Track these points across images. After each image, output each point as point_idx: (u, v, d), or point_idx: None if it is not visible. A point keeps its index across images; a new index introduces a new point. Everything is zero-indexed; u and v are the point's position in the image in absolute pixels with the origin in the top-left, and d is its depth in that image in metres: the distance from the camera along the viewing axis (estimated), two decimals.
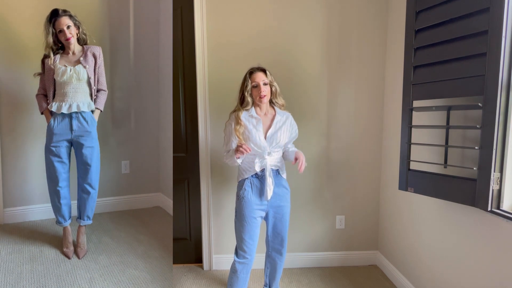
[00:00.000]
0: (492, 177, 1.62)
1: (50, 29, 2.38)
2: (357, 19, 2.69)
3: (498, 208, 1.67)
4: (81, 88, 2.46)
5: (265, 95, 2.02)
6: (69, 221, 2.67)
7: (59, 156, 2.50)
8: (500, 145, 1.62)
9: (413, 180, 2.06)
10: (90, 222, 2.69)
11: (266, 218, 2.17)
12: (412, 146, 2.09)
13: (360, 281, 2.68)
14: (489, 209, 1.65)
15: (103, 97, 2.57)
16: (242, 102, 2.07)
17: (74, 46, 2.47)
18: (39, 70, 2.53)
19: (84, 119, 2.49)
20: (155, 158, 3.49)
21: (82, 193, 2.63)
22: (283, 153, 2.20)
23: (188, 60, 2.73)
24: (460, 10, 1.71)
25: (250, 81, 2.03)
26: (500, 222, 1.64)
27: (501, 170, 1.64)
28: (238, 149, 1.95)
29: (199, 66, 2.66)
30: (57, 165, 2.51)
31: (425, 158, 2.12)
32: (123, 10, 3.23)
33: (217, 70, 2.67)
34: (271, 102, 2.14)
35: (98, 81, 2.54)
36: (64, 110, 2.42)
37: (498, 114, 1.57)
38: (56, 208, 2.60)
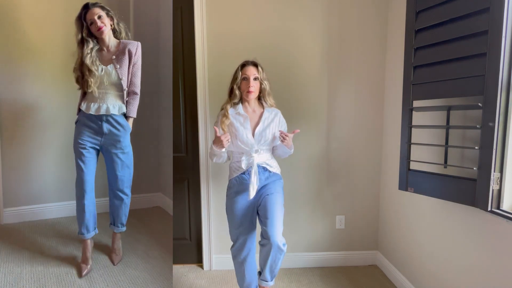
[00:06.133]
0: (492, 177, 1.62)
1: (79, 25, 2.19)
2: (357, 19, 2.69)
3: (498, 208, 1.67)
4: (112, 90, 2.26)
5: (252, 91, 2.00)
6: (92, 234, 2.43)
7: (85, 160, 2.29)
8: (500, 145, 1.62)
9: (413, 180, 2.06)
10: (124, 229, 2.52)
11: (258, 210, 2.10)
12: (412, 146, 2.09)
13: (360, 281, 2.68)
14: (489, 209, 1.65)
15: (135, 103, 2.32)
16: (230, 94, 2.08)
17: (109, 39, 2.26)
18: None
19: (118, 123, 2.29)
20: (155, 158, 3.49)
21: (114, 199, 2.44)
22: (273, 150, 2.16)
23: (188, 60, 2.73)
24: (460, 10, 1.71)
25: (240, 74, 2.02)
26: (500, 222, 1.64)
27: (501, 170, 1.64)
28: (215, 140, 1.95)
29: (199, 66, 2.66)
30: (83, 169, 2.29)
31: (425, 158, 2.12)
32: (123, 10, 3.23)
33: (217, 70, 2.67)
34: (260, 99, 2.13)
35: (130, 82, 2.29)
36: (92, 111, 2.24)
37: (498, 114, 1.57)
38: (80, 216, 2.37)
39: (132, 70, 2.28)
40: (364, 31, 2.70)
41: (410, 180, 2.08)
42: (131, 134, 3.34)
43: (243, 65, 2.04)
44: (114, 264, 2.48)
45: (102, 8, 2.23)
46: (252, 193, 1.99)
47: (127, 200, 2.48)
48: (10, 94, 2.94)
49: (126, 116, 2.34)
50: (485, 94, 1.60)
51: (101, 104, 2.25)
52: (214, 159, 2.10)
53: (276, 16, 2.66)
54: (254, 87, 2.01)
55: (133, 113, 2.34)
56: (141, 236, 2.90)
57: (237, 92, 2.03)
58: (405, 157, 2.09)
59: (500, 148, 1.62)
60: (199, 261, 2.94)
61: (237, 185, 2.07)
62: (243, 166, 2.01)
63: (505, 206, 1.66)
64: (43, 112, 3.01)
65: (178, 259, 2.92)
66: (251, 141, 2.01)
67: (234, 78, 2.05)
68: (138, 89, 2.33)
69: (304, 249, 2.89)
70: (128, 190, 2.47)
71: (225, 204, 2.16)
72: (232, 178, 2.11)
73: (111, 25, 2.25)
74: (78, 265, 2.40)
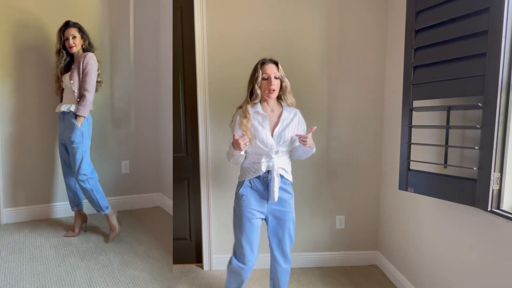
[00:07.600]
0: (492, 177, 1.62)
1: (58, 37, 2.63)
2: (357, 19, 2.69)
3: (498, 208, 1.67)
4: (67, 92, 2.68)
5: (274, 90, 1.92)
6: (75, 208, 2.90)
7: (60, 152, 2.83)
8: (500, 145, 1.62)
9: (413, 180, 2.06)
10: (107, 211, 2.78)
11: (266, 224, 2.06)
12: (412, 146, 2.09)
13: (360, 281, 2.68)
14: (489, 209, 1.65)
15: (83, 103, 2.59)
16: (251, 95, 1.96)
17: (78, 53, 2.66)
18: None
19: (67, 120, 2.65)
20: (155, 158, 3.49)
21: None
22: (292, 152, 2.07)
23: (188, 60, 2.73)
24: (460, 10, 1.71)
25: (260, 73, 1.91)
26: (500, 222, 1.64)
27: (501, 170, 1.64)
28: (235, 142, 1.85)
29: (199, 66, 2.66)
30: (61, 159, 2.83)
31: (425, 158, 2.12)
32: (123, 10, 3.23)
33: (217, 70, 2.67)
34: (279, 98, 2.03)
35: (81, 85, 2.61)
36: (57, 109, 2.70)
37: (498, 114, 1.57)
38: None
39: (81, 75, 2.60)
40: (364, 31, 2.70)
41: (410, 180, 2.08)
42: (132, 134, 3.38)
43: (263, 63, 1.93)
44: (108, 240, 2.77)
45: (79, 29, 2.64)
46: (276, 194, 1.92)
47: (84, 185, 2.71)
48: (10, 93, 2.94)
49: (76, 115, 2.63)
50: (485, 94, 1.60)
51: (59, 105, 2.70)
52: (231, 160, 2.01)
53: (276, 16, 2.65)
54: (276, 85, 1.92)
55: (81, 112, 2.60)
56: (141, 236, 2.90)
57: (258, 92, 1.92)
58: (405, 157, 2.09)
59: (500, 148, 1.62)
60: (199, 261, 2.94)
61: (250, 185, 1.98)
62: (263, 168, 1.91)
63: (505, 206, 1.66)
64: (43, 111, 3.01)
65: (178, 259, 2.92)
66: (270, 141, 1.92)
67: (254, 77, 1.93)
68: (87, 92, 2.60)
69: (304, 249, 2.89)
70: (82, 177, 2.70)
71: (234, 206, 2.04)
72: (245, 180, 1.99)
73: (82, 45, 2.66)
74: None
